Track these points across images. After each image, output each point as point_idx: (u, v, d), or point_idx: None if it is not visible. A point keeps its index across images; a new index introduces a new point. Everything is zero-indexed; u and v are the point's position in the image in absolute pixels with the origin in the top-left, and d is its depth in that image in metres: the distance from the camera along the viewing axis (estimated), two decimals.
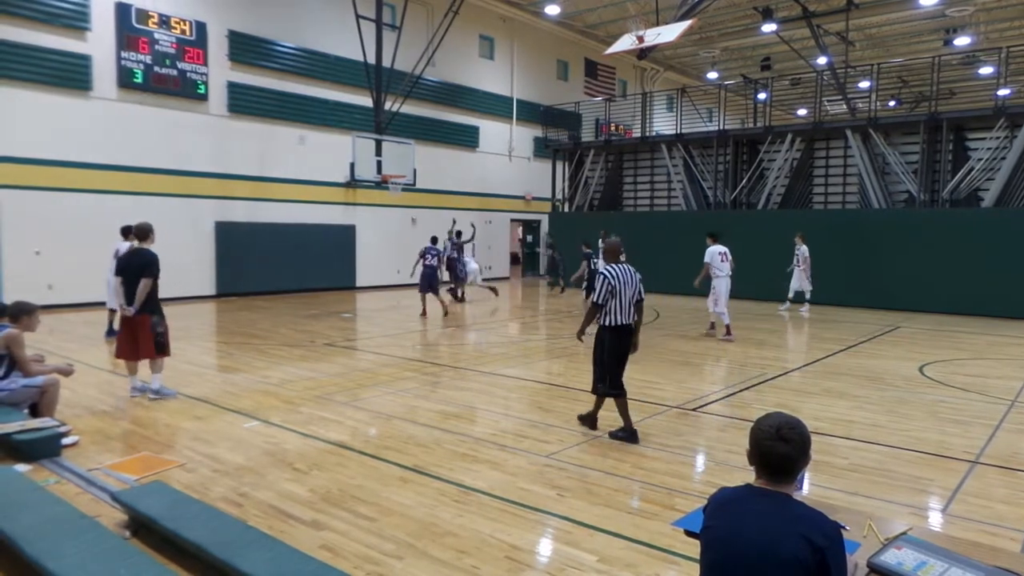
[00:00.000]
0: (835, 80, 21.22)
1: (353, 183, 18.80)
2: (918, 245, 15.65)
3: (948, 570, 2.17)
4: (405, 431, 6.01)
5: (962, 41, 23.27)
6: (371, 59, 17.96)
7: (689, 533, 2.70)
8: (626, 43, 16.20)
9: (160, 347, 6.93)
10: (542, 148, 24.92)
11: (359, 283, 19.57)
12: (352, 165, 17.34)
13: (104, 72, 14.78)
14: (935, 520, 4.33)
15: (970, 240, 15.04)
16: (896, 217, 16.40)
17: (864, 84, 21.97)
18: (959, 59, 21.28)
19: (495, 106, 24.33)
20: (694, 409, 6.89)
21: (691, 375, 8.56)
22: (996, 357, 10.22)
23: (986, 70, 21.02)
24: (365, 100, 18.99)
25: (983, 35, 24.92)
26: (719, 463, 5.32)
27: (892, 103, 26.33)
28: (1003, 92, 16.75)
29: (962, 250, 15.09)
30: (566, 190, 23.44)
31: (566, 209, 23.32)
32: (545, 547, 3.91)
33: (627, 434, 5.75)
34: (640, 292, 5.85)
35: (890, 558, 2.25)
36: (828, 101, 21.64)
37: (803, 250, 14.81)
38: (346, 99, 19.34)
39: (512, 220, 25.64)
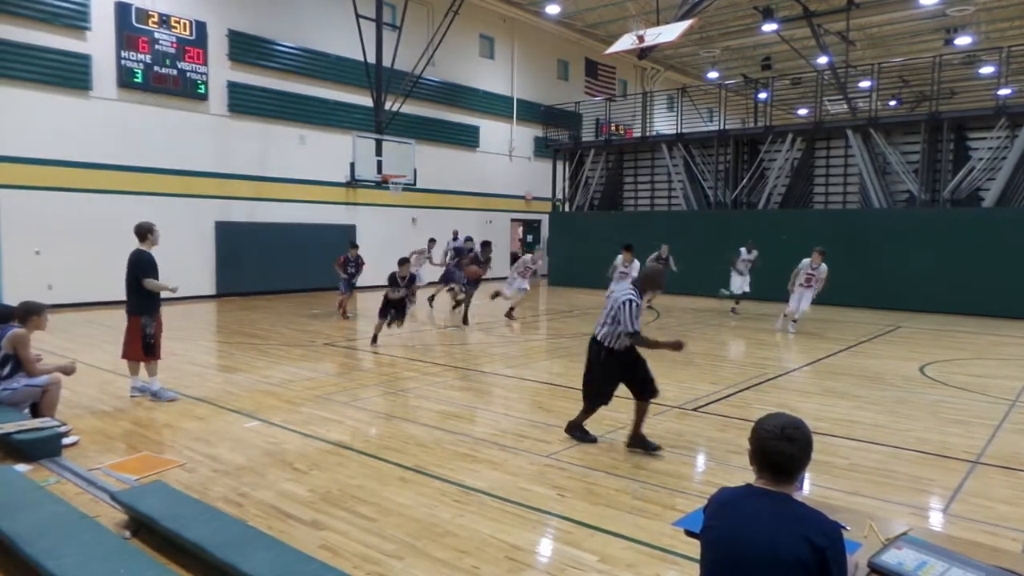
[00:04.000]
0: (836, 80, 21.21)
1: (353, 183, 18.79)
2: (919, 245, 15.64)
3: (949, 570, 2.17)
4: (405, 431, 6.01)
5: (963, 41, 23.24)
6: (371, 59, 17.95)
7: (690, 533, 2.70)
8: (626, 43, 16.20)
9: (148, 348, 6.90)
10: (543, 148, 24.91)
11: (360, 283, 19.54)
12: (352, 165, 17.34)
13: (104, 72, 14.78)
14: (936, 520, 4.33)
15: (971, 240, 15.03)
16: (897, 217, 16.39)
17: (865, 84, 21.95)
18: (960, 59, 21.26)
19: (495, 106, 24.33)
20: (695, 409, 6.88)
21: (692, 375, 8.55)
22: (997, 357, 10.21)
23: (987, 70, 21.00)
24: (365, 100, 18.99)
25: (984, 35, 24.89)
26: (720, 463, 5.32)
27: (893, 103, 26.31)
28: (1004, 92, 16.75)
29: (963, 250, 15.08)
30: (566, 190, 23.44)
31: (566, 209, 23.32)
32: (546, 547, 3.91)
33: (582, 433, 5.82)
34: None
35: (891, 558, 2.25)
36: (829, 101, 21.62)
37: (823, 269, 12.04)
38: (346, 99, 19.34)
39: (512, 220, 25.63)
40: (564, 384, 8.01)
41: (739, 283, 14.74)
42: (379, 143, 17.71)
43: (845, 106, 21.29)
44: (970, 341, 11.74)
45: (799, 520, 2.06)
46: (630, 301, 5.29)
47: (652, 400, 5.56)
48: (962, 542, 2.74)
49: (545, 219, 24.88)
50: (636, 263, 12.35)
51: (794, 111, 27.76)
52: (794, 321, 12.29)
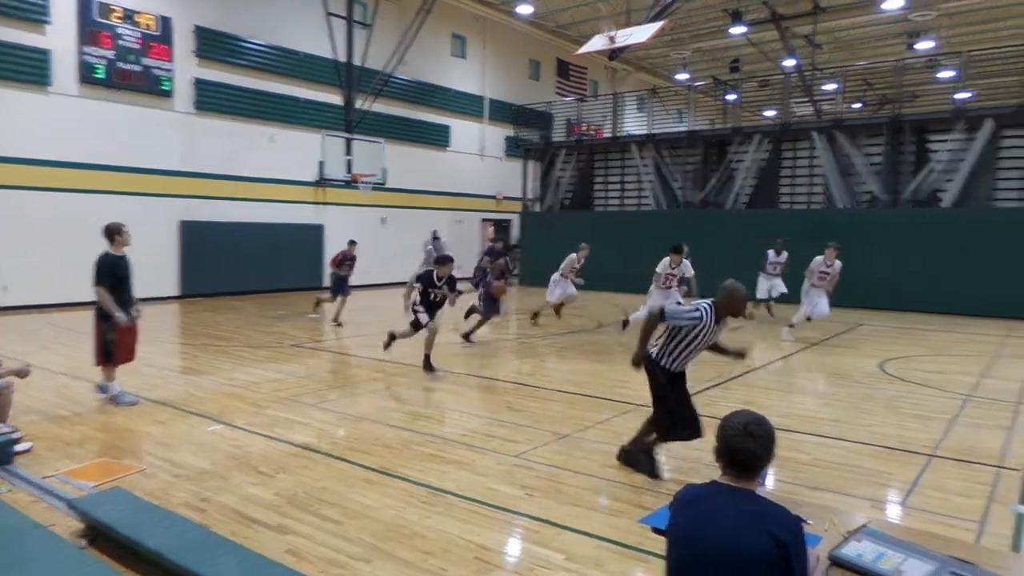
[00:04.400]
0: (802, 82, 21.58)
1: (323, 182, 18.60)
2: (880, 245, 15.97)
3: (905, 561, 2.21)
4: (373, 432, 5.95)
5: (924, 45, 23.80)
6: (342, 57, 17.80)
7: (656, 530, 2.71)
8: (598, 43, 16.29)
9: (107, 355, 6.71)
10: (514, 148, 24.93)
11: (328, 283, 19.33)
12: (321, 164, 17.17)
13: (64, 67, 14.40)
14: (894, 512, 4.42)
15: (930, 240, 15.40)
16: (859, 217, 16.72)
17: (830, 86, 22.37)
18: (922, 63, 21.78)
19: (467, 105, 24.27)
20: None
21: None
22: (955, 354, 10.47)
23: (947, 74, 21.53)
24: (336, 98, 18.80)
25: (944, 40, 25.52)
26: (686, 460, 5.36)
27: (857, 105, 26.86)
28: (963, 96, 17.21)
29: (922, 249, 15.44)
30: (538, 190, 23.49)
31: (537, 209, 23.37)
32: (513, 547, 3.91)
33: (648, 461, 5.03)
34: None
35: (850, 550, 2.29)
36: (795, 103, 21.99)
37: (838, 265, 11.43)
38: (316, 97, 19.12)
39: (483, 220, 25.59)
40: (534, 384, 8.03)
41: (765, 287, 13.77)
42: (349, 142, 17.56)
43: (811, 108, 21.68)
44: (929, 338, 12.02)
45: (762, 515, 2.09)
46: (698, 307, 4.54)
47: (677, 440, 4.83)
48: (919, 533, 2.80)
49: (516, 219, 24.89)
50: (686, 264, 10.87)
51: (762, 113, 28.18)
52: (791, 326, 11.35)
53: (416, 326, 8.55)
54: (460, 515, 4.21)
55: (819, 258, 11.48)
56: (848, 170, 17.40)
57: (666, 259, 11.11)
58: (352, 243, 13.38)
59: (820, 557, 2.28)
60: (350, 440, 5.74)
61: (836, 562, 2.26)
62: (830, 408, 6.97)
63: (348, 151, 17.44)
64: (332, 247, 19.42)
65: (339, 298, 12.90)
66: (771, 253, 13.93)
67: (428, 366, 8.43)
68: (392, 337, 8.85)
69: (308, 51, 18.73)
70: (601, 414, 6.63)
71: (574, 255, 12.67)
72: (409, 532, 3.96)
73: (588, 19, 25.12)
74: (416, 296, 8.63)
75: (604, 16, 22.04)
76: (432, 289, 8.54)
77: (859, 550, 2.29)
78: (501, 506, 4.35)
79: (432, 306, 8.60)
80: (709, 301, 4.63)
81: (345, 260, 13.00)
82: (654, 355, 4.79)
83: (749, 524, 2.06)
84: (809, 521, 2.46)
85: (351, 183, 17.93)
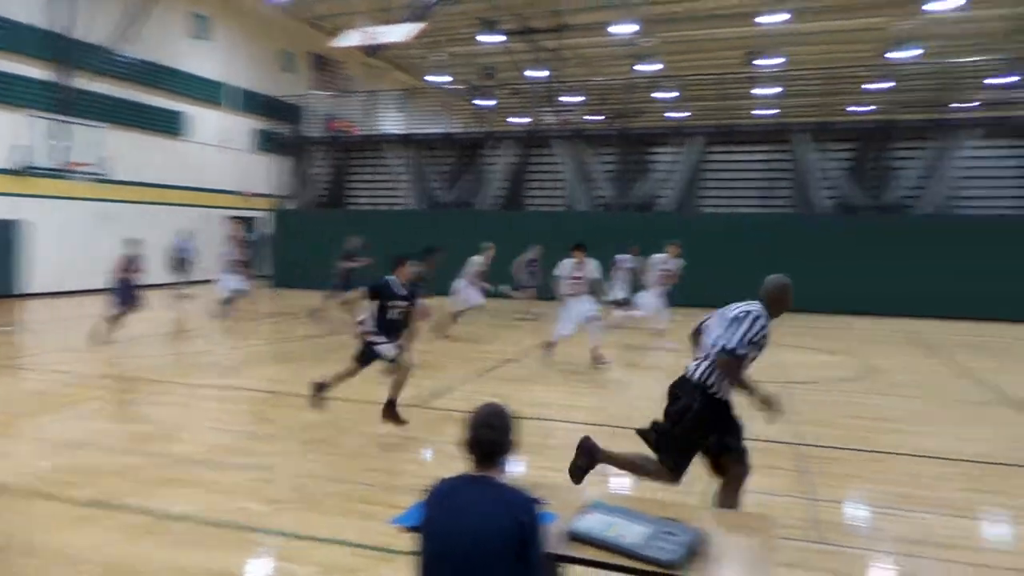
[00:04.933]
0: (548, 93, 23.31)
1: (25, 170, 15.69)
2: (613, 244, 17.83)
3: (630, 526, 2.46)
4: (90, 461, 5.14)
5: (650, 67, 27.03)
6: (54, 26, 15.20)
7: (409, 528, 2.69)
8: (354, 38, 16.01)
9: None
10: (264, 141, 23.43)
11: (32, 289, 16.41)
12: (22, 148, 14.53)
13: None
14: (620, 485, 4.93)
15: (652, 240, 17.54)
16: (595, 219, 18.48)
17: (573, 99, 24.47)
18: (646, 83, 24.80)
19: (210, 92, 22.20)
20: (418, 406, 6.98)
21: (423, 373, 8.68)
22: (677, 339, 12.02)
23: (668, 94, 24.77)
24: (43, 73, 15.97)
25: (669, 64, 29.16)
26: (439, 456, 5.45)
27: (595, 117, 29.76)
28: (680, 114, 19.96)
29: (646, 250, 17.51)
30: (290, 186, 22.38)
31: (290, 207, 22.26)
32: (261, 568, 3.66)
33: None
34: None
35: (583, 524, 2.49)
36: (542, 112, 23.67)
37: (677, 263, 11.38)
38: (15, 69, 16.03)
39: (229, 217, 23.63)
40: (288, 391, 7.56)
41: (616, 289, 13.42)
42: (62, 125, 15.10)
43: (555, 117, 23.52)
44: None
45: (503, 501, 2.19)
46: (758, 317, 3.76)
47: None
48: (639, 501, 3.15)
49: (266, 216, 23.41)
50: (591, 263, 9.44)
51: (507, 119, 29.81)
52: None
53: (364, 360, 6.05)
54: (200, 541, 3.81)
55: (658, 256, 10.86)
56: (587, 176, 19.16)
57: (567, 260, 9.52)
58: (133, 242, 11.08)
59: (557, 532, 2.44)
60: (60, 472, 4.89)
61: (572, 536, 2.44)
62: (566, 394, 7.60)
63: (59, 135, 15.01)
64: (39, 246, 16.57)
65: (124, 309, 10.49)
66: (628, 257, 13.81)
67: (392, 414, 5.99)
68: (321, 387, 6.12)
69: (3, 14, 15.67)
70: (356, 416, 6.48)
71: (478, 257, 10.94)
72: (133, 570, 3.48)
73: (345, 13, 24.43)
74: (369, 320, 5.99)
75: (362, 11, 21.62)
76: (392, 302, 5.97)
77: (590, 523, 2.49)
78: (249, 525, 4.02)
79: (392, 328, 6.04)
80: (758, 304, 3.85)
81: (131, 264, 10.72)
82: (696, 378, 3.89)
83: (494, 511, 2.16)
84: (548, 501, 2.62)
85: (63, 172, 15.43)
